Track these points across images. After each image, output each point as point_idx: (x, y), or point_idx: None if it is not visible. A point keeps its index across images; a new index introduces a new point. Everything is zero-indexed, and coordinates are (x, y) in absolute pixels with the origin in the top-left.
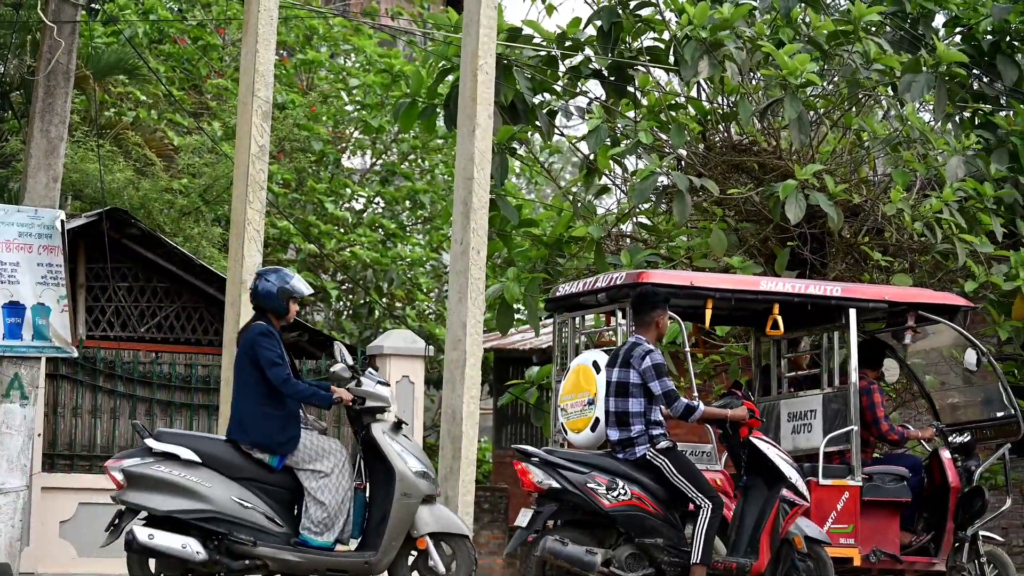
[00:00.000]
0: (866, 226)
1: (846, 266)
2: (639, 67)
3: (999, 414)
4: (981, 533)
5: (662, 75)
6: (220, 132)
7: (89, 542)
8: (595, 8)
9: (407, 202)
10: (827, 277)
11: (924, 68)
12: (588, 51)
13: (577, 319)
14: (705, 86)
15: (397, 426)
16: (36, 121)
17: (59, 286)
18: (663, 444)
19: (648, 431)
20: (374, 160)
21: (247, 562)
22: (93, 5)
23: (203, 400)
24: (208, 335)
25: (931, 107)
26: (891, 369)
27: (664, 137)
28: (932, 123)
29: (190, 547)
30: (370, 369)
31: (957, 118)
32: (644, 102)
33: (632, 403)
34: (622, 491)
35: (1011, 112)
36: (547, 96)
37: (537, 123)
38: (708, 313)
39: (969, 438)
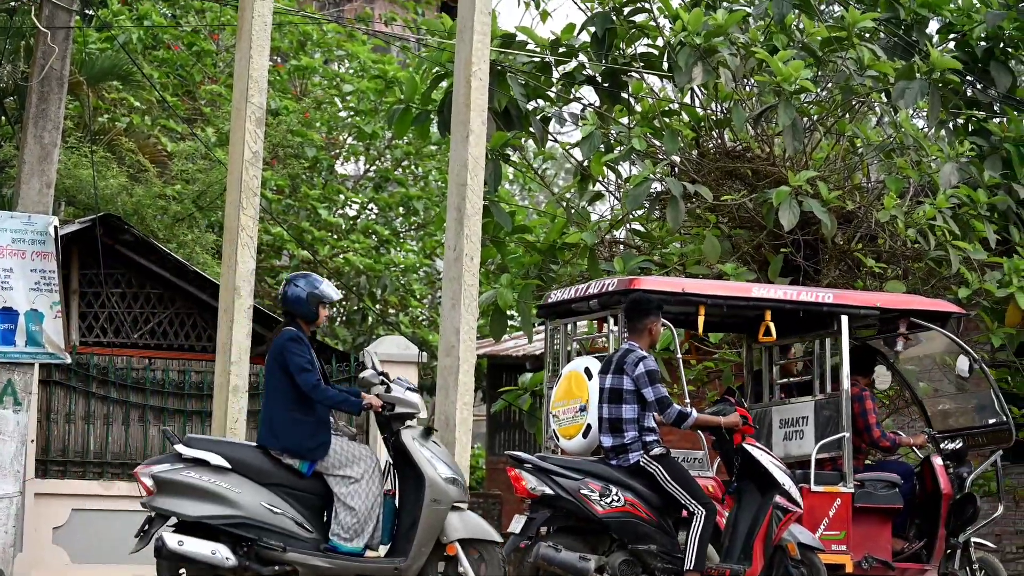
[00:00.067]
0: (860, 233)
1: (839, 273)
2: (633, 73)
3: (991, 421)
4: (973, 540)
5: (656, 81)
6: (214, 138)
7: (82, 548)
8: (589, 14)
9: (400, 208)
10: (820, 284)
11: (918, 75)
12: (582, 57)
13: (569, 326)
14: (699, 92)
15: (427, 432)
16: (29, 127)
17: (52, 292)
18: (656, 451)
19: (641, 437)
20: (368, 166)
21: (277, 568)
22: (87, 11)
23: (196, 406)
24: (201, 341)
25: (925, 114)
26: (882, 376)
27: (658, 143)
28: (926, 130)
29: (220, 553)
30: (399, 376)
31: (951, 125)
32: (638, 108)
33: (626, 409)
34: (615, 497)
35: (1004, 119)
36: (541, 102)
37: (531, 129)
38: (701, 320)
39: (961, 445)
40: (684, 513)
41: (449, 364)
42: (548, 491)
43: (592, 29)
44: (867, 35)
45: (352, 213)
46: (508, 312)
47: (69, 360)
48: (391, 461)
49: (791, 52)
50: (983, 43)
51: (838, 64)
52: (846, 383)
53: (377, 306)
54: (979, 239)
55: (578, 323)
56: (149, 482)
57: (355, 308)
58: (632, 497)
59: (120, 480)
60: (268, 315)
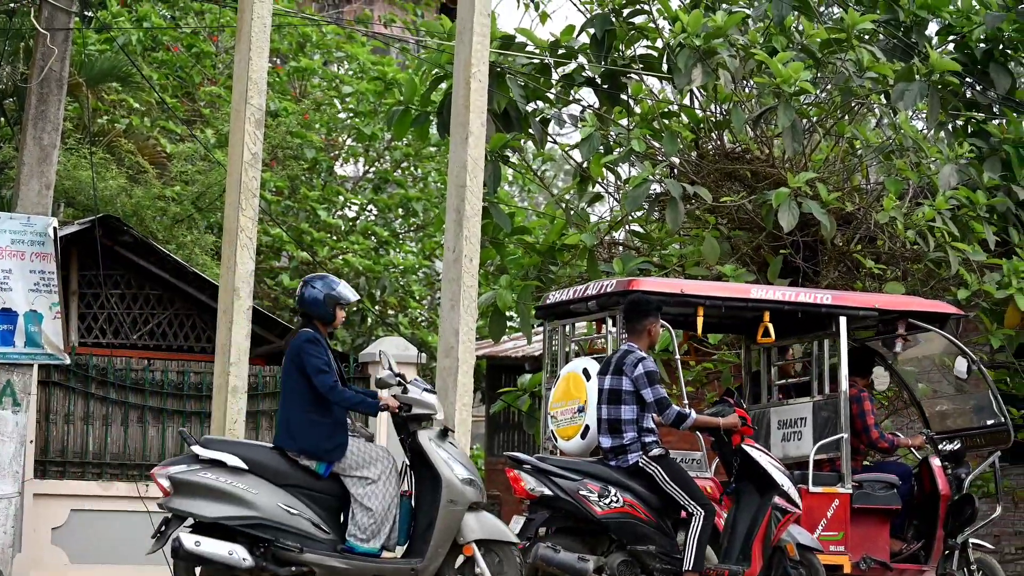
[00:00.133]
0: (859, 234)
1: (839, 274)
2: (632, 75)
3: (989, 422)
4: (971, 540)
5: (655, 83)
6: (213, 139)
7: (81, 548)
8: (588, 16)
9: (400, 210)
10: (820, 285)
11: (917, 76)
12: (581, 59)
13: (568, 327)
14: (698, 94)
15: (444, 433)
16: (29, 128)
17: (51, 293)
18: (655, 451)
19: (640, 438)
20: (367, 168)
21: (294, 568)
22: (86, 12)
23: (195, 407)
24: (200, 342)
25: (924, 115)
26: (880, 377)
27: (657, 145)
28: (925, 131)
29: (237, 554)
30: (416, 376)
31: (950, 126)
32: (637, 110)
33: (624, 410)
34: (614, 498)
35: (1004, 120)
36: (540, 104)
37: (530, 131)
38: (700, 321)
39: (959, 446)
40: (683, 514)
41: (448, 365)
42: (547, 492)
43: (591, 31)
44: (866, 37)
45: (351, 214)
46: (507, 313)
47: (68, 361)
48: (408, 462)
49: (790, 54)
50: (982, 45)
51: (837, 66)
52: (844, 384)
53: (376, 307)
54: (978, 240)
55: (576, 324)
56: (166, 483)
57: (354, 309)
58: (631, 498)
59: (119, 481)
60: (267, 316)
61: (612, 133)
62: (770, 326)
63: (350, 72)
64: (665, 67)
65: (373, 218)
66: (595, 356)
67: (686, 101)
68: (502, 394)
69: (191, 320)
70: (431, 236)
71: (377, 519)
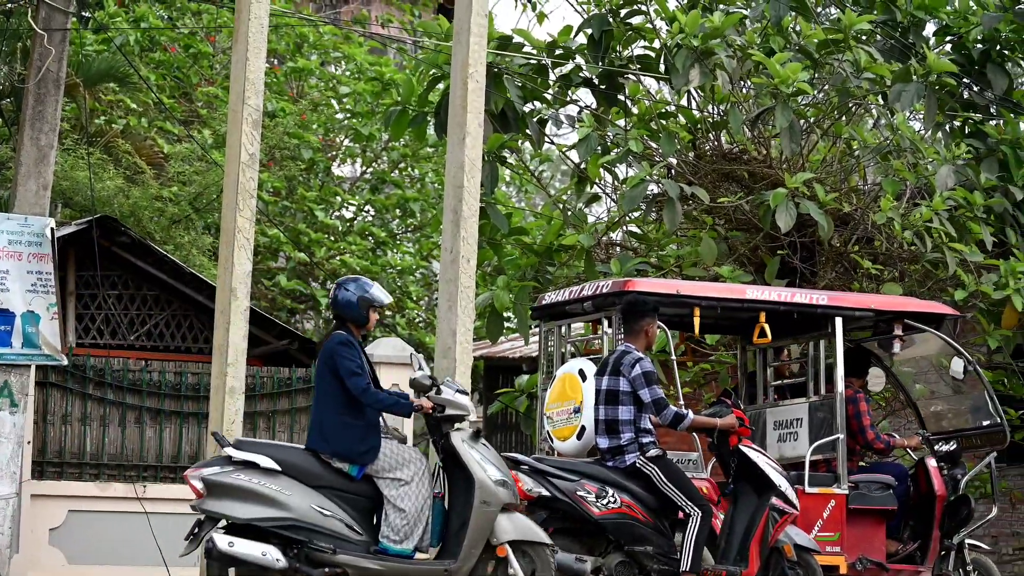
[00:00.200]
0: (856, 235)
1: (836, 275)
2: (629, 75)
3: (985, 423)
4: (967, 541)
5: (652, 83)
6: (210, 140)
7: (79, 549)
8: (586, 16)
9: (397, 210)
10: (817, 286)
11: (914, 77)
12: (578, 59)
13: (564, 327)
14: (695, 95)
15: (476, 434)
16: (26, 129)
17: (49, 294)
18: (653, 452)
19: (638, 439)
20: (364, 168)
21: (327, 570)
22: (84, 13)
23: (192, 408)
24: (198, 343)
25: (921, 116)
26: (875, 378)
27: (654, 145)
28: (922, 132)
29: (270, 555)
30: (448, 378)
31: (947, 127)
32: (635, 110)
33: (622, 411)
34: (612, 499)
35: (1001, 121)
36: (537, 104)
37: (527, 131)
38: (696, 321)
39: (955, 446)
40: (680, 515)
41: (446, 366)
42: (544, 492)
43: (589, 31)
44: (864, 37)
45: (349, 215)
46: (505, 314)
47: (66, 362)
48: (440, 463)
49: (788, 54)
50: (980, 45)
51: (835, 66)
52: (840, 385)
53: None
54: (975, 241)
55: (573, 325)
56: (199, 485)
57: None
58: (628, 498)
59: (116, 481)
60: (264, 317)
61: (609, 134)
62: (766, 327)
63: (347, 73)
64: (662, 68)
65: (370, 219)
66: (591, 357)
67: (683, 102)
68: (499, 395)
69: (188, 321)
70: (428, 237)
71: (410, 520)
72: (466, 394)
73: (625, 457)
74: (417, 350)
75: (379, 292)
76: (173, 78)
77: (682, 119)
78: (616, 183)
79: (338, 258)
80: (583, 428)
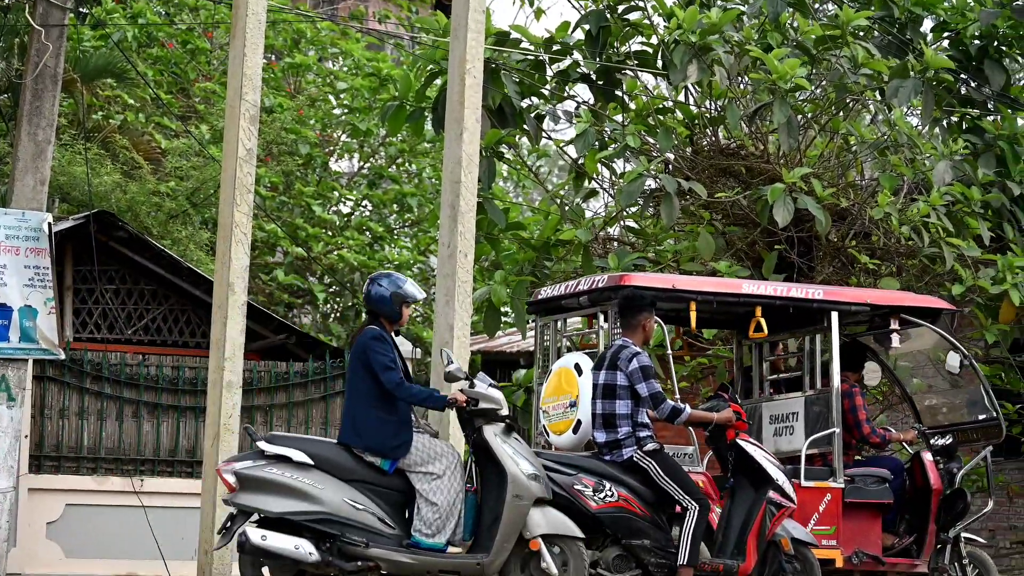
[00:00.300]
0: (854, 230)
1: (833, 270)
2: (627, 71)
3: (981, 417)
4: (963, 535)
5: (650, 79)
6: (208, 135)
7: (76, 543)
8: (583, 12)
9: (394, 205)
10: (815, 281)
11: (912, 73)
12: (576, 55)
13: (559, 322)
14: (693, 90)
15: (509, 429)
16: (24, 124)
17: (46, 288)
18: (650, 446)
19: (635, 433)
20: (362, 163)
21: (359, 563)
22: (81, 9)
23: (190, 402)
24: (195, 337)
25: (919, 112)
26: (871, 372)
27: (652, 141)
28: (919, 128)
29: (303, 548)
30: (481, 372)
31: (944, 123)
32: (632, 106)
33: (619, 405)
34: (609, 493)
35: (998, 116)
36: (535, 100)
37: (525, 127)
38: (693, 316)
39: (951, 440)
40: (677, 508)
41: None
42: None
43: (586, 27)
44: (861, 33)
45: (346, 210)
46: (502, 308)
47: (63, 356)
48: (473, 457)
49: (785, 50)
50: (977, 41)
51: (832, 62)
52: (836, 379)
53: None
54: (973, 236)
55: (569, 319)
56: (232, 479)
57: (349, 305)
58: (625, 492)
59: (114, 475)
60: (262, 312)
61: (607, 129)
62: (762, 321)
63: (345, 68)
64: (660, 63)
65: (368, 214)
66: (587, 351)
67: (681, 97)
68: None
69: (186, 315)
70: (426, 232)
71: (442, 514)
72: (499, 388)
73: (622, 451)
74: (415, 345)
75: (412, 288)
76: (170, 74)
77: (680, 115)
78: (614, 178)
79: (335, 253)
80: (579, 422)
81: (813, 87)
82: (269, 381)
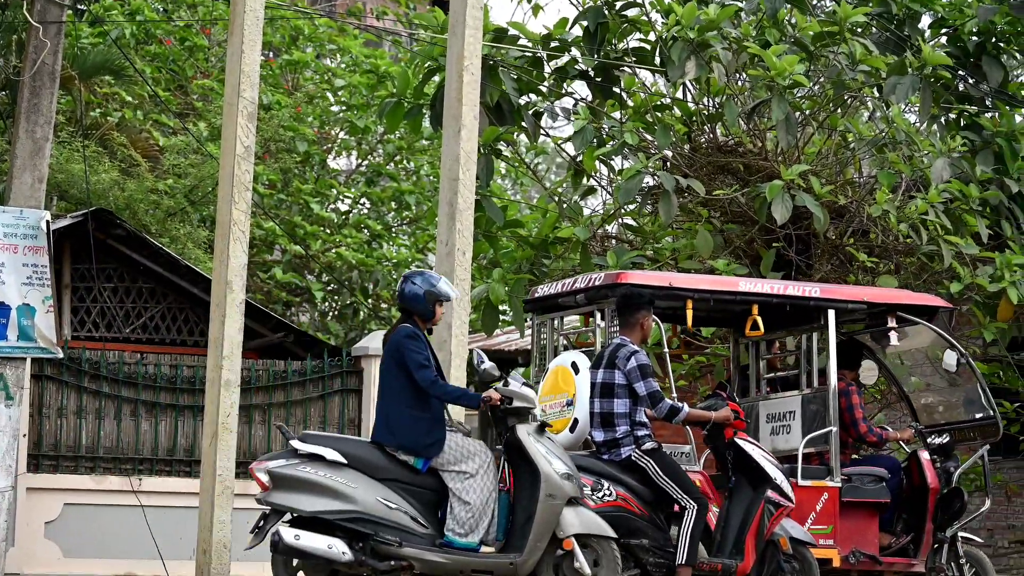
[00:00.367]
0: (852, 227)
1: (831, 267)
2: (625, 68)
3: (978, 415)
4: (960, 534)
5: (648, 76)
6: (206, 133)
7: (74, 542)
8: (581, 9)
9: (393, 203)
10: (813, 278)
11: (910, 70)
12: (574, 52)
13: (556, 320)
14: (691, 87)
15: (542, 428)
16: (21, 122)
17: (44, 287)
18: (648, 445)
19: (633, 432)
20: (360, 161)
21: (392, 563)
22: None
23: (188, 401)
24: (193, 336)
25: (916, 109)
26: (868, 371)
27: (650, 138)
28: (917, 125)
29: (336, 547)
30: (515, 371)
31: (942, 120)
32: (630, 103)
33: (617, 404)
34: (607, 492)
35: (996, 113)
36: (533, 97)
37: (523, 124)
38: (689, 314)
39: (948, 439)
40: (676, 508)
41: (441, 359)
42: None
43: (584, 24)
44: (859, 30)
45: (344, 208)
46: (500, 306)
47: (61, 355)
48: (505, 456)
49: (784, 47)
50: (975, 38)
51: (830, 59)
52: (833, 378)
53: (369, 301)
54: (971, 234)
55: (565, 318)
56: (265, 478)
57: (347, 303)
58: (624, 491)
59: (112, 475)
60: (260, 310)
61: (605, 126)
62: (759, 319)
63: (343, 65)
64: (658, 60)
65: (366, 211)
66: (584, 350)
67: (679, 94)
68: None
69: (184, 314)
70: (424, 229)
71: (475, 513)
72: (532, 387)
73: (621, 450)
74: None
75: (446, 286)
76: (169, 71)
77: (678, 111)
78: (612, 175)
79: (334, 251)
80: (576, 421)
81: (811, 84)
82: (267, 380)
